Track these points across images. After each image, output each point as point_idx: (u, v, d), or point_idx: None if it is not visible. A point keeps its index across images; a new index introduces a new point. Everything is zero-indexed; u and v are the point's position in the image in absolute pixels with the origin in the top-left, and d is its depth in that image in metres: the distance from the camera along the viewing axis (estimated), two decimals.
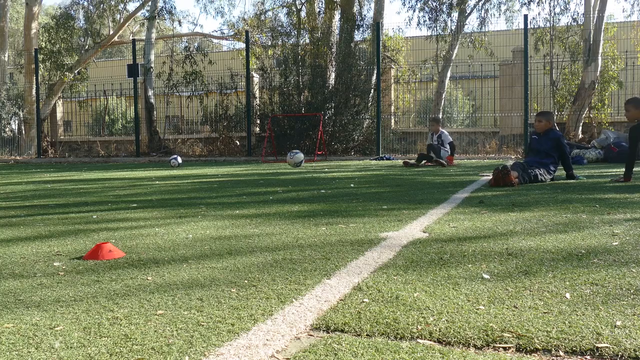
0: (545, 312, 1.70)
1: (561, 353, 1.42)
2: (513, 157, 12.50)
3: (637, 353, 1.39)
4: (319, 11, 17.66)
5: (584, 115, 13.93)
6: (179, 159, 11.02)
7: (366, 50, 15.69)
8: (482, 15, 17.62)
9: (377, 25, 14.24)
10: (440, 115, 16.71)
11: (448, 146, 10.21)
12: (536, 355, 1.42)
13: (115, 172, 9.41)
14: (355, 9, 16.51)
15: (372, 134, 14.38)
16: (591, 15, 13.86)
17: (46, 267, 2.44)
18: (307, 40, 16.24)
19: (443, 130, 10.50)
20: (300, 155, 10.19)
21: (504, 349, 1.45)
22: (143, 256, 2.62)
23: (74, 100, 19.85)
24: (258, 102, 15.93)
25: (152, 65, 16.50)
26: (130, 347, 1.48)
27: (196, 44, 24.06)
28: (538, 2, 16.64)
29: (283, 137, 14.70)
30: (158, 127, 16.79)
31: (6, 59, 18.22)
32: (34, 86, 17.21)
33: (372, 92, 14.69)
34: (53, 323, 1.68)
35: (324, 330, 1.60)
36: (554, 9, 16.56)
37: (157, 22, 17.96)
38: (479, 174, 7.53)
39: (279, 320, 1.67)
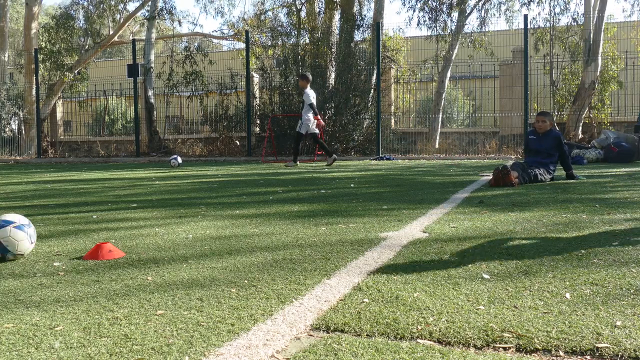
0: (545, 312, 1.70)
1: (561, 353, 1.42)
2: (513, 157, 12.50)
3: (637, 353, 1.40)
4: (319, 11, 17.65)
5: (584, 115, 13.93)
6: (179, 159, 11.04)
7: (366, 50, 15.68)
8: (482, 15, 17.61)
9: (377, 25, 14.24)
10: (440, 115, 16.69)
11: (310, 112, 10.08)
12: (536, 355, 1.42)
13: (115, 172, 9.41)
14: (355, 9, 16.50)
15: (372, 134, 14.37)
16: (591, 15, 13.86)
17: (46, 267, 2.44)
18: (307, 40, 16.22)
19: (308, 89, 10.19)
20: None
21: (504, 349, 1.45)
22: (143, 256, 2.62)
23: (74, 100, 19.83)
24: (258, 102, 15.92)
25: (152, 65, 16.50)
26: (130, 347, 1.48)
27: (196, 44, 24.05)
28: (538, 2, 16.64)
29: (283, 137, 14.69)
30: (158, 127, 16.78)
31: (6, 59, 18.22)
32: (34, 86, 17.20)
33: (372, 92, 14.68)
34: (53, 323, 1.68)
35: (324, 330, 1.60)
36: (554, 9, 16.59)
37: (157, 22, 17.95)
38: (479, 174, 7.53)
39: (279, 320, 1.67)
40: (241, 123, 16.11)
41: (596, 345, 1.44)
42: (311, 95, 10.21)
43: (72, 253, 2.72)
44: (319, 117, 10.14)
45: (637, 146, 10.28)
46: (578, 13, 15.93)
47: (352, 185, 6.13)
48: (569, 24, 16.23)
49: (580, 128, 13.93)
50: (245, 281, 2.13)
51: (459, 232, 3.07)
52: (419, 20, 17.67)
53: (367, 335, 1.55)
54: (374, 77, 14.52)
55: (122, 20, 19.79)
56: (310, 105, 10.08)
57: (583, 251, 2.53)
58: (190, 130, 19.17)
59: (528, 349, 1.45)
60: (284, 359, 1.40)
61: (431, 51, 18.31)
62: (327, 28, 15.99)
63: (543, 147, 6.15)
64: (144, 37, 17.95)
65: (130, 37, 19.86)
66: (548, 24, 16.48)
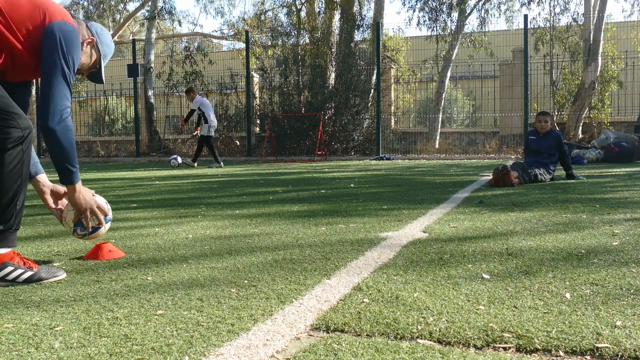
0: (545, 312, 1.70)
1: (561, 353, 1.42)
2: (513, 157, 12.50)
3: (637, 353, 1.39)
4: (319, 11, 17.66)
5: (584, 115, 13.93)
6: (179, 159, 11.08)
7: (366, 50, 15.69)
8: (482, 15, 17.62)
9: (377, 25, 14.24)
10: (440, 115, 16.69)
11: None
12: (536, 355, 1.42)
13: (115, 172, 9.41)
14: (355, 9, 16.51)
15: (372, 134, 14.38)
16: (591, 15, 13.87)
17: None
18: (307, 40, 16.23)
19: (197, 98, 10.86)
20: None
21: (504, 349, 1.45)
22: (143, 256, 2.62)
23: (74, 100, 19.83)
24: (258, 102, 15.92)
25: (152, 65, 16.50)
26: (130, 347, 1.48)
27: (196, 44, 24.06)
28: (538, 2, 16.65)
29: (283, 137, 14.70)
30: (158, 127, 16.79)
31: None
32: (34, 86, 17.20)
33: (372, 92, 14.69)
34: (53, 323, 1.68)
35: (324, 330, 1.60)
36: (554, 9, 16.59)
37: (157, 22, 17.95)
38: (479, 174, 7.53)
39: (279, 320, 1.67)
40: (241, 123, 16.12)
41: (596, 345, 1.44)
42: (199, 102, 10.79)
43: (72, 253, 2.72)
44: (184, 123, 11.10)
45: (637, 146, 10.28)
46: (578, 13, 15.95)
47: (352, 185, 6.13)
48: (569, 24, 16.25)
49: (580, 128, 13.94)
50: (245, 281, 2.13)
51: (459, 232, 3.07)
52: (419, 20, 17.68)
53: (367, 335, 1.55)
54: (374, 77, 14.52)
55: (122, 20, 19.81)
56: (192, 111, 10.81)
57: (583, 251, 2.53)
58: (190, 130, 19.17)
59: (528, 349, 1.44)
60: (284, 359, 1.40)
61: (431, 51, 18.32)
62: (327, 28, 16.00)
63: (543, 147, 6.15)
64: (144, 37, 17.96)
65: (130, 37, 19.86)
66: (548, 24, 16.49)
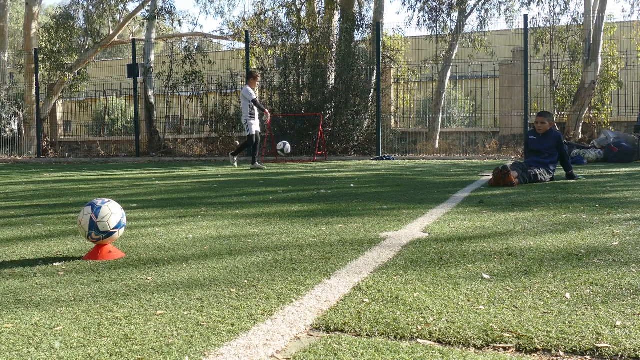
0: (545, 312, 1.70)
1: (561, 353, 1.42)
2: (513, 157, 12.50)
3: (637, 353, 1.40)
4: (319, 11, 17.64)
5: (584, 115, 13.93)
6: (288, 146, 11.03)
7: (366, 50, 15.68)
8: (482, 15, 17.60)
9: (377, 25, 14.23)
10: (440, 115, 16.69)
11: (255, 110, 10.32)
12: (536, 355, 1.42)
13: (115, 172, 9.41)
14: (355, 9, 16.50)
15: (372, 134, 14.37)
16: (591, 15, 13.86)
17: (46, 267, 2.44)
18: (307, 40, 16.22)
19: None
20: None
21: (504, 349, 1.45)
22: (143, 256, 2.62)
23: (74, 100, 19.82)
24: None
25: (152, 65, 16.49)
26: (130, 347, 1.48)
27: (196, 44, 24.04)
28: (538, 2, 16.64)
29: (283, 137, 14.69)
30: (158, 127, 16.77)
31: (6, 59, 18.21)
32: (34, 86, 17.20)
33: (372, 92, 14.68)
34: (53, 323, 1.68)
35: (324, 330, 1.60)
36: (554, 9, 16.56)
37: (157, 22, 17.94)
38: (479, 174, 7.53)
39: (279, 320, 1.67)
40: (241, 123, 16.11)
41: (596, 345, 1.44)
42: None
43: (72, 253, 2.72)
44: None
45: (637, 146, 10.28)
46: (578, 13, 15.92)
47: (352, 185, 6.13)
48: (569, 24, 16.22)
49: (580, 128, 13.93)
50: (245, 281, 2.13)
51: (459, 232, 3.07)
52: (419, 20, 17.65)
53: (367, 335, 1.55)
54: (374, 77, 14.51)
55: (122, 20, 19.79)
56: (253, 101, 10.53)
57: (583, 251, 2.53)
58: (190, 130, 19.17)
59: (528, 349, 1.45)
60: (284, 359, 1.40)
61: (431, 51, 18.30)
62: (327, 28, 15.98)
63: (543, 147, 6.14)
64: (144, 37, 17.95)
65: (130, 37, 19.85)
66: (548, 24, 16.47)
